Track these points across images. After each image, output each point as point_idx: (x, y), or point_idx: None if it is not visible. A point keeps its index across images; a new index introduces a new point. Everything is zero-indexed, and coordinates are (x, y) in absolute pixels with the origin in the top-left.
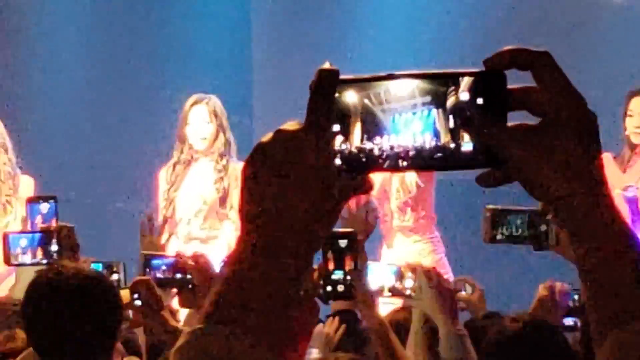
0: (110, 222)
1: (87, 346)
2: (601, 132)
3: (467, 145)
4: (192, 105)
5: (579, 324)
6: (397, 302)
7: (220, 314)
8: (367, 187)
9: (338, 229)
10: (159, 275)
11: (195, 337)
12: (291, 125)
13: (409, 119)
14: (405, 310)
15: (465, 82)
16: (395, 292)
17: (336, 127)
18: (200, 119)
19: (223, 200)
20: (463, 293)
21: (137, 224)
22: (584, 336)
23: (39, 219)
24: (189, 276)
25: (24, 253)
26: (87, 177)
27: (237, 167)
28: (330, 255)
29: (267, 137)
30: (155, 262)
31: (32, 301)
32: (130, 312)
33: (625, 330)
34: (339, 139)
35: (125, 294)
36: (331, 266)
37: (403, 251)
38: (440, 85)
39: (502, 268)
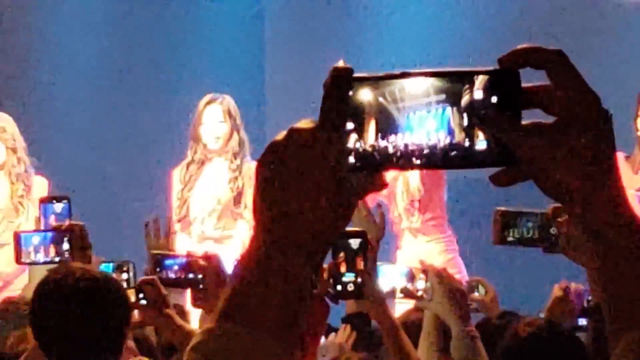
0: (125, 222)
1: (94, 347)
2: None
3: (481, 143)
4: (206, 104)
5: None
6: (412, 303)
7: (234, 312)
8: (380, 185)
9: (348, 228)
10: (171, 275)
11: (209, 335)
12: (305, 123)
13: (424, 117)
14: (419, 310)
15: (480, 80)
16: (407, 293)
17: (350, 125)
18: (215, 118)
19: (237, 200)
20: (476, 294)
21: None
22: (594, 337)
23: (52, 219)
24: (200, 276)
25: (36, 251)
26: (101, 178)
27: (251, 166)
28: (341, 256)
29: (281, 135)
30: (167, 262)
31: (40, 301)
32: (136, 312)
33: None
34: (353, 137)
35: (132, 293)
36: (343, 268)
37: (412, 252)
38: (454, 83)
39: (514, 269)
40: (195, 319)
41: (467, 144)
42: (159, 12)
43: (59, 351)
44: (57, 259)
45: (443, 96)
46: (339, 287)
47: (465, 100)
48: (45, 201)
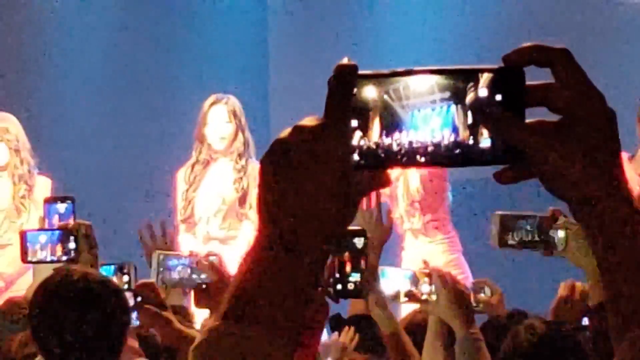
0: (128, 224)
1: (92, 349)
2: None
3: (485, 141)
4: (211, 105)
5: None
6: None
7: (238, 311)
8: (385, 183)
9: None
10: (175, 275)
11: (212, 334)
12: (309, 120)
13: (428, 114)
14: (425, 312)
15: (485, 78)
16: (411, 297)
17: (354, 123)
18: (220, 118)
19: (242, 200)
20: (482, 295)
21: (156, 224)
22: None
23: (56, 219)
24: (203, 276)
25: (42, 250)
26: (105, 178)
27: (256, 166)
28: (347, 255)
29: (285, 132)
30: (171, 262)
31: (39, 304)
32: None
33: None
34: (358, 134)
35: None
36: (348, 267)
37: (414, 253)
38: (459, 81)
39: (520, 269)
40: (200, 321)
41: (471, 141)
42: (163, 13)
43: (57, 354)
44: (64, 258)
45: (448, 94)
46: (339, 286)
47: (469, 98)
48: (50, 201)
